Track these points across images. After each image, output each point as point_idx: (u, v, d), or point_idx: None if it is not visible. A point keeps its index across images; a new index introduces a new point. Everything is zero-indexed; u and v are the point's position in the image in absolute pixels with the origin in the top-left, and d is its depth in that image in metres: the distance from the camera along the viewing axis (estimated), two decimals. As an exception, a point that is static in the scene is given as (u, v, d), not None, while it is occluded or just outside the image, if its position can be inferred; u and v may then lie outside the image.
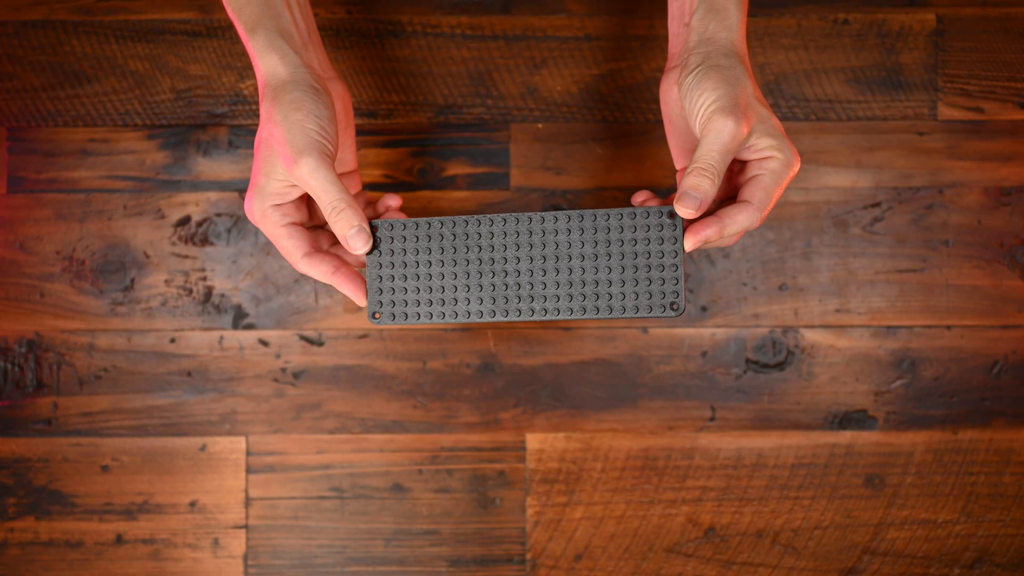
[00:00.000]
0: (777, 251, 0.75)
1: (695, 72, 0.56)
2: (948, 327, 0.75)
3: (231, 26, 0.75)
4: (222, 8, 0.74)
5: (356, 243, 0.58)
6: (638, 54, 0.74)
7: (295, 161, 0.56)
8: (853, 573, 0.75)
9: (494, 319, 0.59)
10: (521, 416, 0.75)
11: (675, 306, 0.59)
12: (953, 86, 0.75)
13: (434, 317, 0.60)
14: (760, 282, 0.75)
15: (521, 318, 0.59)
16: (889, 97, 0.75)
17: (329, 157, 0.56)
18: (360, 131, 0.75)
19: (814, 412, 0.75)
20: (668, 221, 0.58)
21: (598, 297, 0.59)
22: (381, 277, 0.60)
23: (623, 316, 0.59)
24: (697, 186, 0.55)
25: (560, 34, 0.74)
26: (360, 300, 0.60)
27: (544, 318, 0.59)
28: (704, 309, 0.75)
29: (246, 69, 0.75)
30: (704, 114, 0.55)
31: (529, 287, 0.59)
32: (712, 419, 0.75)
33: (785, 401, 0.75)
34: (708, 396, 0.75)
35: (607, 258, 0.59)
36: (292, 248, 0.59)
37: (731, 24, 0.58)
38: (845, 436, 0.75)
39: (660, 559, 0.75)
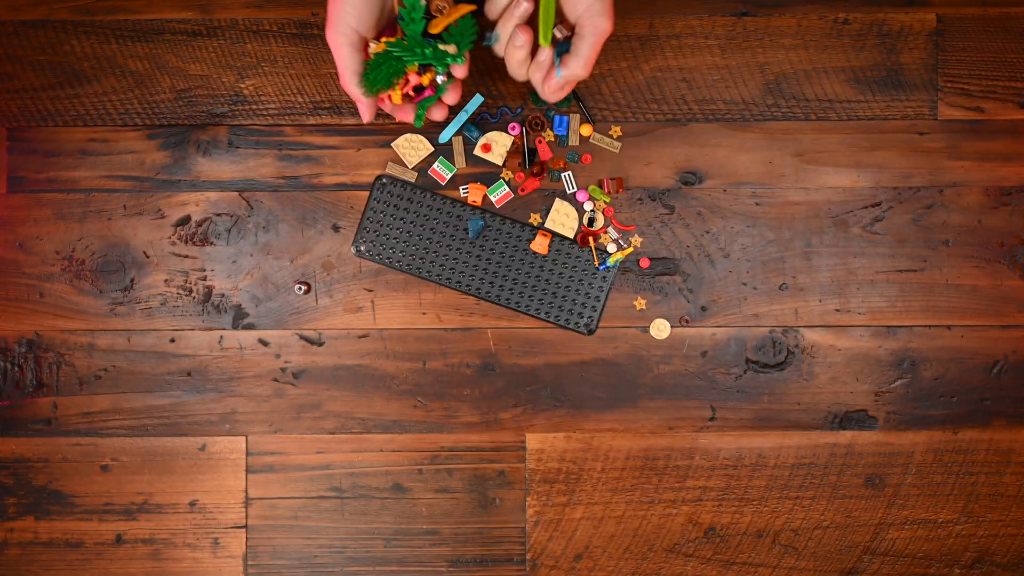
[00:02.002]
0: (777, 251, 0.75)
1: None
2: (948, 327, 0.75)
3: (231, 26, 0.75)
4: (222, 8, 0.74)
5: (361, 111, 0.66)
6: (638, 54, 0.74)
7: (327, 29, 0.64)
8: (853, 573, 0.75)
9: (448, 286, 0.74)
10: (521, 416, 0.75)
11: (589, 328, 0.74)
12: (953, 86, 0.75)
13: (402, 267, 0.74)
14: (760, 282, 0.75)
15: (470, 292, 0.74)
16: (889, 97, 0.75)
17: (347, 35, 0.63)
18: (361, 131, 0.75)
19: (814, 412, 0.75)
20: (601, 272, 0.74)
21: (533, 301, 0.74)
22: (371, 220, 0.73)
23: (547, 320, 0.74)
24: (576, 78, 0.64)
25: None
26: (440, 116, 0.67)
27: (487, 299, 0.74)
28: (704, 309, 0.75)
29: (246, 69, 0.75)
30: (590, 8, 0.62)
31: (487, 274, 0.74)
32: (712, 419, 0.75)
33: (785, 401, 0.75)
34: (708, 396, 0.75)
35: (556, 275, 0.75)
36: (351, 73, 0.65)
37: None
38: (845, 436, 0.75)
39: (660, 559, 0.75)
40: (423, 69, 0.66)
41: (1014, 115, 0.75)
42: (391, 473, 0.75)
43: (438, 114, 0.68)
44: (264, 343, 0.75)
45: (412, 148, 0.74)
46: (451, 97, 0.67)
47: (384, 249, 0.74)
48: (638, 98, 0.75)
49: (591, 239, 0.73)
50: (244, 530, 0.75)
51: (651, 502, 0.75)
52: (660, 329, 0.75)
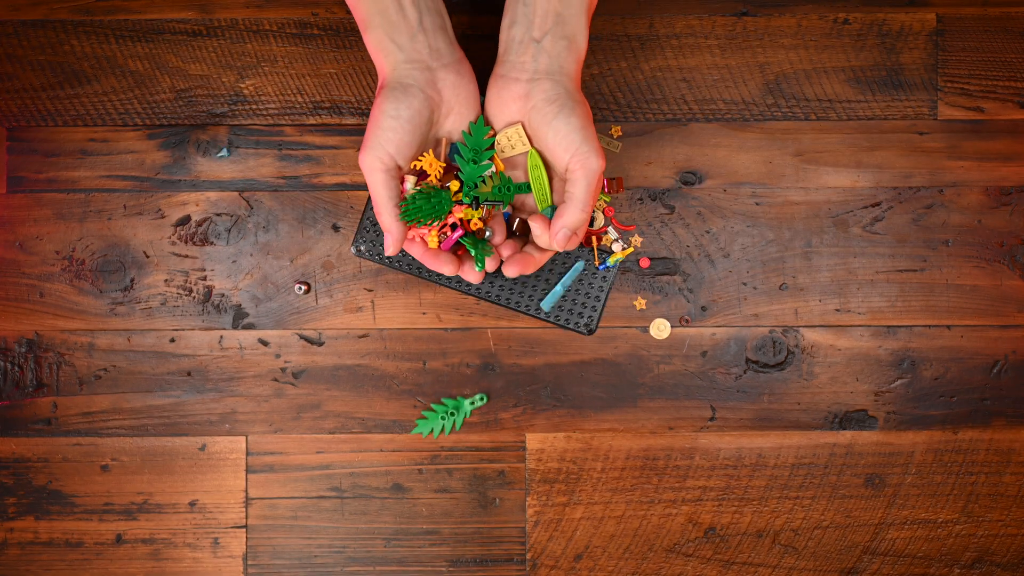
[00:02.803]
0: (777, 251, 0.75)
1: (557, 103, 0.63)
2: (948, 327, 0.75)
3: (231, 26, 0.75)
4: (222, 8, 0.75)
5: (384, 243, 0.65)
6: (638, 54, 0.74)
7: (361, 152, 0.64)
8: (853, 573, 0.75)
9: (448, 286, 0.73)
10: (521, 416, 0.75)
11: (589, 328, 0.73)
12: (953, 86, 0.75)
13: (402, 267, 0.73)
14: (760, 282, 0.75)
15: (469, 292, 0.73)
16: (889, 97, 0.75)
17: (383, 160, 0.63)
18: (361, 131, 0.75)
19: (814, 412, 0.75)
20: (601, 272, 0.73)
21: (533, 301, 0.73)
22: (371, 220, 0.73)
23: (547, 320, 0.74)
24: (579, 223, 0.64)
25: (560, 34, 0.74)
26: (451, 272, 0.66)
27: (487, 299, 0.73)
28: (704, 309, 0.75)
29: (246, 69, 0.75)
30: (578, 152, 0.63)
31: (487, 273, 0.72)
32: (712, 419, 0.75)
33: (785, 401, 0.75)
34: (708, 396, 0.75)
35: (556, 275, 0.73)
36: (385, 200, 0.64)
37: (579, 54, 0.64)
38: (845, 436, 0.75)
39: (660, 559, 0.75)
40: (477, 205, 0.67)
41: (1014, 115, 0.75)
42: (391, 473, 0.75)
43: (491, 265, 0.66)
44: (264, 343, 0.75)
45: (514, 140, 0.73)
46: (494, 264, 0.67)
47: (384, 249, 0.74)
48: (638, 98, 0.75)
49: (593, 239, 0.73)
50: (244, 530, 0.75)
51: (651, 502, 0.75)
52: (660, 329, 0.75)
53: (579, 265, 0.73)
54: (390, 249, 0.65)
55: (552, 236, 0.64)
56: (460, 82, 0.66)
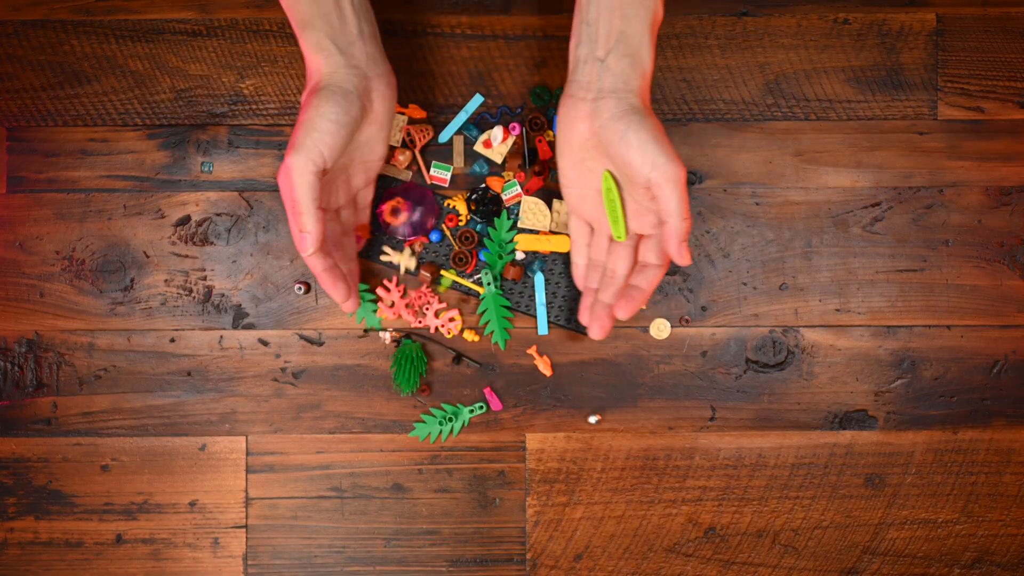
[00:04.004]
0: (777, 251, 0.75)
1: (624, 120, 0.62)
2: (948, 327, 0.75)
3: (231, 26, 0.75)
4: (222, 8, 0.74)
5: (303, 244, 0.63)
6: (638, 54, 0.74)
7: (291, 152, 0.62)
8: (853, 573, 0.75)
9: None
10: (521, 416, 0.75)
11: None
12: (953, 86, 0.75)
13: None
14: (760, 282, 0.75)
15: (471, 293, 0.73)
16: (889, 97, 0.75)
17: (315, 161, 0.62)
18: (360, 131, 0.75)
19: (814, 412, 0.75)
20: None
21: (533, 301, 0.74)
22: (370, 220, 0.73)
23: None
24: (685, 232, 0.63)
25: (560, 34, 0.74)
26: (337, 299, 0.66)
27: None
28: (704, 309, 0.75)
29: (246, 69, 0.75)
30: (655, 164, 0.62)
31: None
32: (712, 419, 0.75)
33: (785, 401, 0.75)
34: (708, 396, 0.75)
35: (557, 275, 0.74)
36: (309, 202, 0.63)
37: (644, 70, 0.63)
38: (845, 436, 0.75)
39: (660, 559, 0.75)
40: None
41: (1014, 115, 0.75)
42: (391, 473, 0.75)
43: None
44: (264, 343, 0.75)
45: (393, 128, 0.74)
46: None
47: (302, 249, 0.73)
48: (638, 98, 0.75)
49: None
50: (244, 530, 0.75)
51: (651, 502, 0.75)
52: (660, 329, 0.75)
53: (539, 277, 0.73)
54: (310, 249, 0.63)
55: (678, 255, 0.63)
56: (388, 94, 0.66)
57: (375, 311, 0.73)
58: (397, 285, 0.73)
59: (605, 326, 0.68)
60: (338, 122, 0.62)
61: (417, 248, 0.73)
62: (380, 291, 0.73)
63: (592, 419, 0.74)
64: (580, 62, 0.64)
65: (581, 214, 0.69)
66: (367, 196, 0.71)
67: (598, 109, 0.63)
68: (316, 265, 0.65)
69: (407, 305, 0.73)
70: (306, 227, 0.63)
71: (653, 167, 0.62)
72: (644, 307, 0.70)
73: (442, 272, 0.73)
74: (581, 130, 0.64)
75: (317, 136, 0.62)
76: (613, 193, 0.66)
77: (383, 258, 0.73)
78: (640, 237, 0.67)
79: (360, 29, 0.64)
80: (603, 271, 0.69)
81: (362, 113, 0.64)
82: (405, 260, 0.72)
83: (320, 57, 0.63)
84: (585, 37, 0.63)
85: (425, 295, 0.73)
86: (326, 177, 0.64)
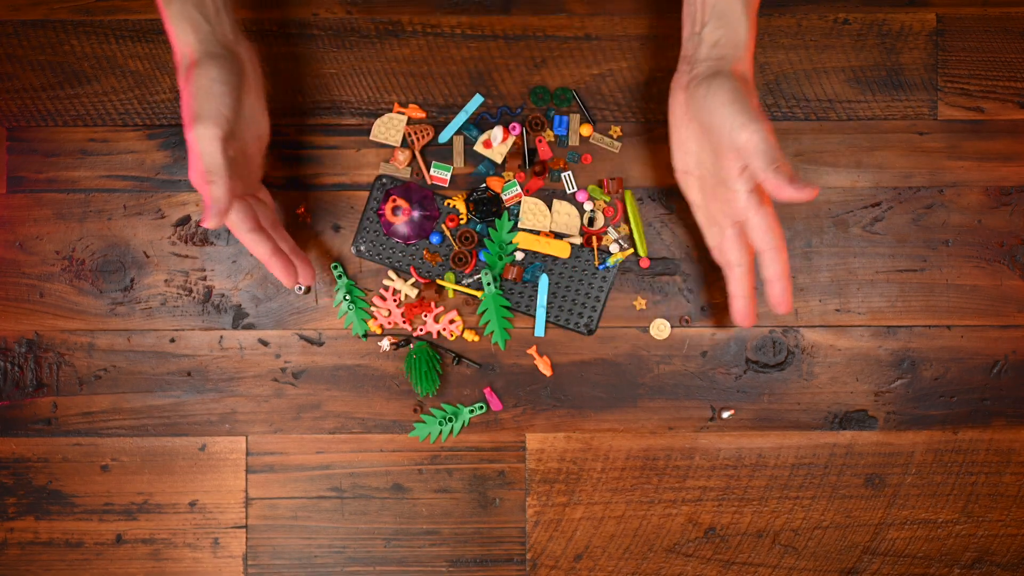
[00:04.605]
0: (777, 251, 0.75)
1: (706, 83, 0.63)
2: (948, 327, 0.75)
3: (231, 26, 0.75)
4: (222, 8, 0.74)
5: (209, 215, 0.61)
6: (638, 54, 0.74)
7: (191, 125, 0.61)
8: (853, 573, 0.75)
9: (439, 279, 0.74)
10: (521, 416, 0.75)
11: (589, 328, 0.74)
12: (953, 86, 0.75)
13: (402, 267, 0.74)
14: (760, 282, 0.75)
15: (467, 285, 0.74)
16: (889, 97, 0.75)
17: (221, 126, 0.62)
18: (360, 131, 0.75)
19: (814, 412, 0.75)
20: (601, 272, 0.74)
21: (533, 301, 0.74)
22: (371, 220, 0.74)
23: (547, 320, 0.74)
24: (783, 169, 0.61)
25: (560, 34, 0.74)
26: (289, 283, 0.67)
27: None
28: (704, 309, 0.75)
29: (246, 69, 0.75)
30: (733, 125, 0.62)
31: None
32: (712, 419, 0.75)
33: (785, 401, 0.75)
34: (708, 396, 0.75)
35: (556, 275, 0.74)
36: (238, 221, 0.64)
37: (739, 40, 0.64)
38: (845, 436, 0.75)
39: (660, 559, 0.75)
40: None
41: (1014, 115, 0.75)
42: (391, 473, 0.75)
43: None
44: (264, 343, 0.75)
45: (393, 128, 0.74)
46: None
47: (384, 249, 0.74)
48: (638, 98, 0.75)
49: (593, 239, 0.73)
50: (244, 530, 0.75)
51: (651, 502, 0.75)
52: (660, 329, 0.75)
53: (544, 278, 0.73)
54: (214, 221, 0.61)
55: (799, 193, 0.61)
56: (256, 62, 0.67)
57: (366, 319, 0.73)
58: (393, 295, 0.73)
59: (752, 315, 0.69)
60: (228, 83, 0.63)
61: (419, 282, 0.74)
62: (376, 300, 0.73)
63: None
64: (685, 40, 0.67)
65: (686, 193, 0.70)
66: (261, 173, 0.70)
67: (691, 79, 0.65)
68: (262, 251, 0.65)
69: (403, 314, 0.73)
70: (215, 196, 0.61)
71: (732, 128, 0.62)
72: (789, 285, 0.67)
73: (439, 282, 0.73)
74: (678, 101, 0.66)
75: (215, 101, 0.62)
76: (634, 210, 0.70)
77: (385, 281, 0.73)
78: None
79: (223, 2, 0.65)
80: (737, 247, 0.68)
81: (242, 79, 0.64)
82: (407, 288, 0.73)
83: (189, 28, 0.63)
84: (687, 16, 0.66)
85: (424, 305, 0.73)
86: (234, 160, 0.63)
